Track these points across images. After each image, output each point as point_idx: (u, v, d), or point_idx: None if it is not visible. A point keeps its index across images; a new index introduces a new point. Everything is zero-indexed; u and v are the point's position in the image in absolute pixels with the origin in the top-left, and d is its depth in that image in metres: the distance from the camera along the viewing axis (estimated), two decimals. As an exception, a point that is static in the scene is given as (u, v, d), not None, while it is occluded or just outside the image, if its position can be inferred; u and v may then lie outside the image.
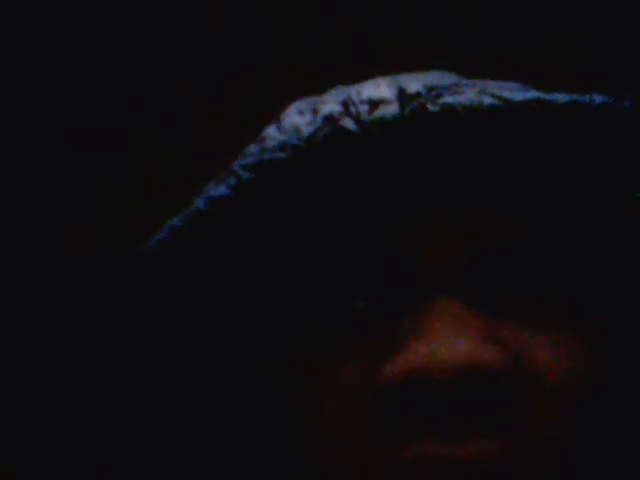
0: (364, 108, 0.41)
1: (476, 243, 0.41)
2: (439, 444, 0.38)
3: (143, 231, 0.46)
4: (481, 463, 0.38)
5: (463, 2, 0.89)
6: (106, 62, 0.90)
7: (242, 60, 0.90)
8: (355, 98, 0.41)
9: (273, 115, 0.45)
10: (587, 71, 0.84)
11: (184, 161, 0.87)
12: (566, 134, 0.41)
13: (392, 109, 0.40)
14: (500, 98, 0.40)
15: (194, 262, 0.44)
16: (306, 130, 0.41)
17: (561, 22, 0.87)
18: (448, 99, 0.40)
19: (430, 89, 0.41)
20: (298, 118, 0.42)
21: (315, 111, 0.42)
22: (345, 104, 0.41)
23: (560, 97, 0.40)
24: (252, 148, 0.43)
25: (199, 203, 0.43)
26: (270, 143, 0.42)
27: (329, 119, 0.41)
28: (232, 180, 0.42)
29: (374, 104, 0.41)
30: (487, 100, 0.40)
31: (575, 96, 0.40)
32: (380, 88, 0.42)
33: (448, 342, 0.38)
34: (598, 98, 0.41)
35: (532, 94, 0.40)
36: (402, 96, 0.41)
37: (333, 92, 0.45)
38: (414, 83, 0.42)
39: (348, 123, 0.40)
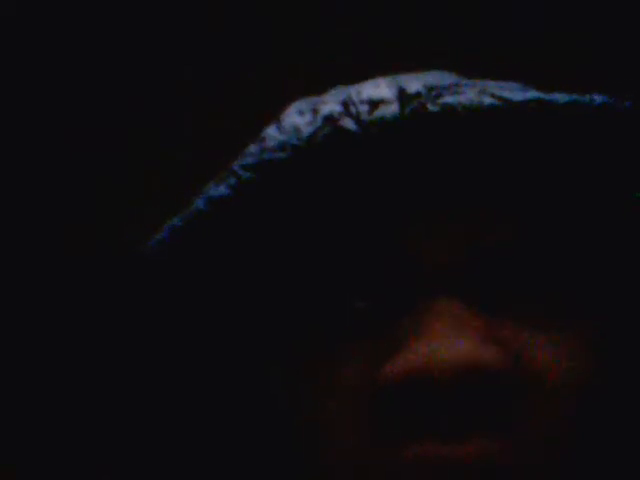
0: (364, 108, 0.41)
1: (476, 243, 0.41)
2: (439, 444, 0.38)
3: (143, 231, 0.46)
4: (481, 463, 0.38)
5: (463, 2, 0.89)
6: (106, 62, 0.90)
7: (242, 60, 0.90)
8: (355, 98, 0.41)
9: (273, 115, 0.45)
10: (587, 71, 0.84)
11: (184, 161, 0.87)
12: (566, 134, 0.41)
13: (392, 109, 0.40)
14: (500, 98, 0.40)
15: (194, 262, 0.44)
16: (306, 130, 0.41)
17: (561, 22, 0.87)
18: (448, 99, 0.40)
19: (430, 89, 0.41)
20: (298, 118, 0.42)
21: (315, 111, 0.42)
22: (345, 104, 0.41)
23: (560, 97, 0.40)
24: (252, 148, 0.43)
25: (199, 203, 0.43)
26: (270, 143, 0.42)
27: (329, 119, 0.41)
28: (232, 180, 0.42)
29: (374, 104, 0.41)
30: (487, 100, 0.40)
31: (575, 96, 0.40)
32: (380, 88, 0.42)
33: (448, 342, 0.38)
34: (598, 98, 0.41)
35: (532, 94, 0.40)
36: (402, 96, 0.41)
37: (333, 92, 0.45)
38: (414, 83, 0.41)
39: (348, 123, 0.40)
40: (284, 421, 0.43)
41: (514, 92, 0.40)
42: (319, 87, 0.47)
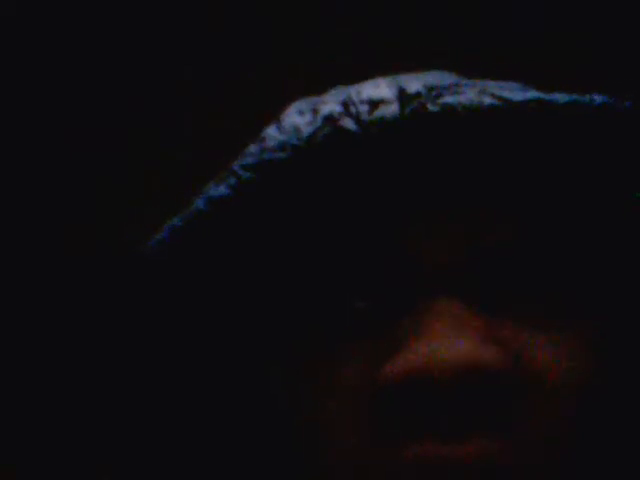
0: (364, 108, 0.41)
1: (476, 243, 0.41)
2: (439, 444, 0.38)
3: (143, 231, 0.46)
4: (481, 463, 0.38)
5: (463, 2, 0.89)
6: (106, 62, 0.90)
7: (242, 60, 0.90)
8: (355, 98, 0.41)
9: (273, 115, 0.45)
10: (587, 71, 0.84)
11: (184, 161, 0.87)
12: (566, 134, 0.41)
13: (392, 109, 0.40)
14: (500, 98, 0.40)
15: (194, 262, 0.44)
16: (306, 130, 0.41)
17: (561, 22, 0.87)
18: (448, 99, 0.40)
19: (430, 89, 0.41)
20: (298, 118, 0.42)
21: (315, 111, 0.42)
22: (345, 104, 0.41)
23: (560, 97, 0.40)
24: (252, 148, 0.43)
25: (199, 203, 0.43)
26: (270, 143, 0.42)
27: (329, 119, 0.41)
28: (232, 180, 0.42)
29: (374, 104, 0.41)
30: (487, 100, 0.40)
31: (575, 96, 0.40)
32: (380, 88, 0.42)
33: (448, 342, 0.38)
34: (598, 98, 0.41)
35: (532, 94, 0.40)
36: (402, 96, 0.41)
37: (333, 92, 0.44)
38: (414, 83, 0.41)
39: (348, 123, 0.40)
40: (284, 421, 0.43)
41: (514, 92, 0.40)
42: (319, 87, 0.47)
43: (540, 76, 0.52)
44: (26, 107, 0.90)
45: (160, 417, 0.46)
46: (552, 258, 0.42)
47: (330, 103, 0.42)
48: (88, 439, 0.75)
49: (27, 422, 0.82)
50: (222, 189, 0.42)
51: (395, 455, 0.39)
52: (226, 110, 0.88)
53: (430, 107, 0.40)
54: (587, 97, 0.41)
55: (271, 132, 0.43)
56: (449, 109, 0.40)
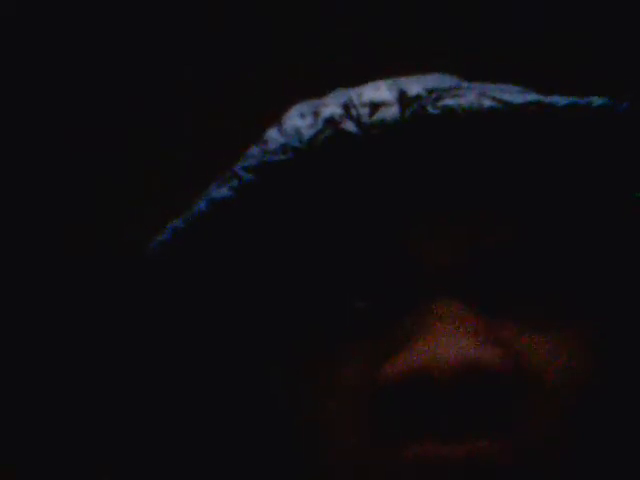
0: (365, 111, 0.41)
1: (477, 244, 0.41)
2: (439, 444, 0.38)
3: (143, 231, 0.46)
4: (481, 463, 0.38)
5: (463, 2, 0.89)
6: (106, 62, 0.90)
7: (242, 60, 0.90)
8: (356, 101, 0.42)
9: (273, 115, 0.45)
10: (587, 71, 0.84)
11: (184, 161, 0.87)
12: (565, 136, 0.41)
13: (393, 111, 0.40)
14: (500, 101, 0.40)
15: (196, 263, 0.44)
16: (307, 132, 0.41)
17: (561, 22, 0.87)
18: (448, 102, 0.40)
19: (430, 92, 0.41)
20: (299, 121, 0.42)
21: (316, 114, 0.42)
22: (346, 107, 0.41)
23: (559, 99, 0.40)
24: (254, 150, 0.43)
25: (201, 205, 0.43)
26: (271, 145, 0.42)
27: (330, 121, 0.41)
28: (234, 182, 0.42)
29: (375, 106, 0.41)
30: (487, 103, 0.40)
31: (574, 98, 0.41)
32: (381, 91, 0.42)
33: (448, 342, 0.39)
34: (597, 100, 0.41)
35: (532, 97, 0.40)
36: (402, 99, 0.41)
37: (334, 95, 0.45)
38: (414, 86, 0.42)
39: (349, 125, 0.40)
40: (284, 421, 0.43)
41: (514, 95, 0.40)
42: (319, 87, 0.47)
43: (540, 76, 0.52)
44: (26, 107, 0.90)
45: (160, 417, 0.46)
46: (552, 259, 0.42)
47: (331, 106, 0.42)
48: (88, 439, 0.75)
49: (27, 422, 0.82)
50: (224, 191, 0.42)
51: (395, 455, 0.39)
52: (226, 110, 0.88)
53: (430, 110, 0.40)
54: (586, 99, 0.41)
55: (272, 134, 0.43)
56: (449, 112, 0.40)
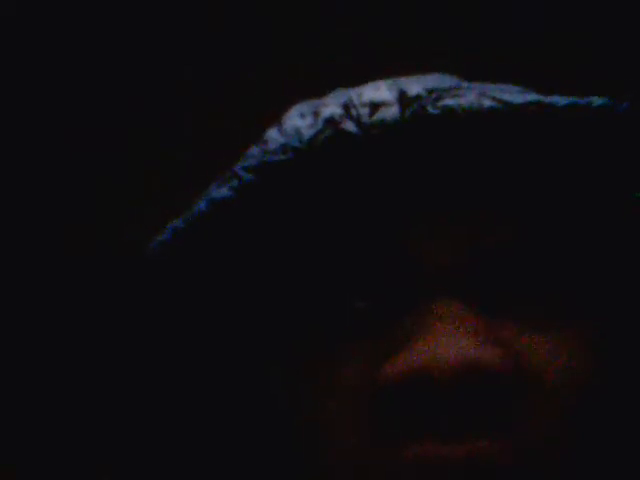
0: (365, 111, 0.41)
1: (477, 245, 0.41)
2: (439, 444, 0.38)
3: (143, 231, 0.46)
4: (481, 463, 0.38)
5: (463, 2, 0.89)
6: (106, 62, 0.90)
7: (242, 60, 0.90)
8: (356, 101, 0.42)
9: (273, 115, 0.45)
10: (587, 71, 0.84)
11: (184, 161, 0.87)
12: (565, 136, 0.41)
13: (393, 111, 0.40)
14: (500, 101, 0.40)
15: (196, 263, 0.44)
16: (307, 132, 0.41)
17: (561, 22, 0.87)
18: (448, 102, 0.40)
19: (430, 92, 0.41)
20: (299, 121, 0.42)
21: (316, 114, 0.42)
22: (346, 107, 0.41)
23: (559, 99, 0.40)
24: (254, 150, 0.43)
25: (201, 205, 0.43)
26: (271, 145, 0.42)
27: (330, 121, 0.41)
28: (234, 182, 0.42)
29: (375, 106, 0.41)
30: (487, 103, 0.40)
31: (574, 98, 0.41)
32: (381, 91, 0.42)
33: (448, 342, 0.39)
34: (597, 100, 0.41)
35: (532, 97, 0.40)
36: (402, 99, 0.41)
37: (334, 95, 0.45)
38: (414, 86, 0.42)
39: (349, 125, 0.41)
40: (284, 421, 0.43)
41: (514, 95, 0.41)
42: (319, 87, 0.47)
43: (540, 76, 0.52)
44: (26, 107, 0.90)
45: (160, 417, 0.46)
46: (552, 259, 0.42)
47: (331, 106, 0.42)
48: (88, 439, 0.75)
49: (27, 422, 0.82)
50: (224, 191, 0.42)
51: (395, 455, 0.39)
52: (226, 110, 0.88)
53: (430, 110, 0.40)
54: (586, 99, 0.41)
55: (272, 134, 0.43)
56: (449, 112, 0.40)
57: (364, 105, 0.41)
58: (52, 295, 0.86)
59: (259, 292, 0.45)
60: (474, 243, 0.41)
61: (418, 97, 0.41)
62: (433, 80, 0.43)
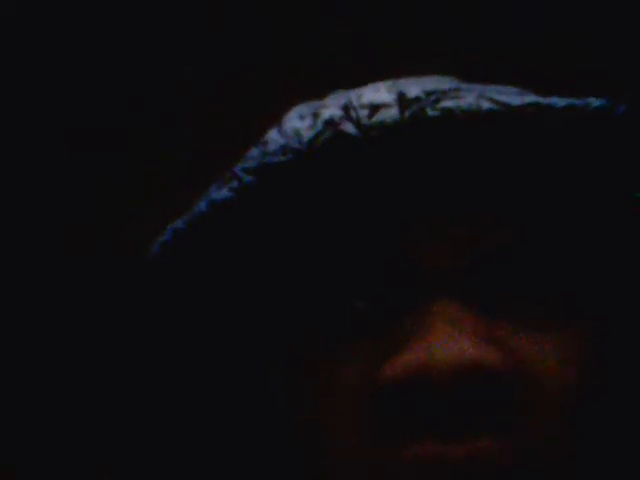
0: (364, 112, 0.41)
1: (477, 246, 0.41)
2: (439, 444, 0.38)
3: (143, 231, 0.46)
4: (481, 463, 0.38)
5: (463, 2, 0.89)
6: (106, 62, 0.90)
7: (242, 60, 0.90)
8: (355, 102, 0.42)
9: (273, 115, 0.45)
10: (587, 71, 0.84)
11: (184, 161, 0.87)
12: (564, 137, 0.41)
13: (392, 113, 0.40)
14: (498, 102, 0.40)
15: (196, 264, 0.44)
16: (307, 134, 0.41)
17: (561, 22, 0.87)
18: (447, 103, 0.40)
19: (429, 93, 0.41)
20: (299, 122, 0.42)
21: (316, 115, 0.42)
22: (345, 108, 0.41)
23: (558, 101, 0.40)
24: (254, 151, 0.43)
25: (201, 206, 0.43)
26: (272, 147, 0.42)
27: (330, 123, 0.41)
28: (234, 183, 0.42)
29: (374, 108, 0.41)
30: (486, 104, 0.40)
31: (572, 100, 0.41)
32: (380, 92, 0.42)
33: (448, 342, 0.39)
34: (595, 102, 0.41)
35: (530, 98, 0.40)
36: (402, 100, 0.41)
37: (333, 96, 0.45)
38: (413, 88, 0.42)
39: (348, 127, 0.41)
40: (284, 421, 0.43)
41: (512, 96, 0.41)
42: (319, 87, 0.47)
43: (540, 76, 0.52)
44: (26, 107, 0.90)
45: (160, 417, 0.46)
46: (551, 260, 0.42)
47: (331, 107, 0.42)
48: (88, 439, 0.75)
49: (27, 422, 0.82)
50: (224, 192, 0.42)
51: (395, 455, 0.39)
52: (226, 110, 0.88)
53: (429, 111, 0.40)
54: (584, 101, 0.41)
55: (272, 136, 0.43)
56: (448, 113, 0.40)
57: (363, 107, 0.41)
58: (52, 295, 0.86)
59: (259, 293, 0.45)
60: (474, 245, 0.41)
61: (417, 99, 0.41)
62: (432, 82, 0.44)
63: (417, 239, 0.41)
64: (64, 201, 0.90)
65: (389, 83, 0.44)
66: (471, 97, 0.40)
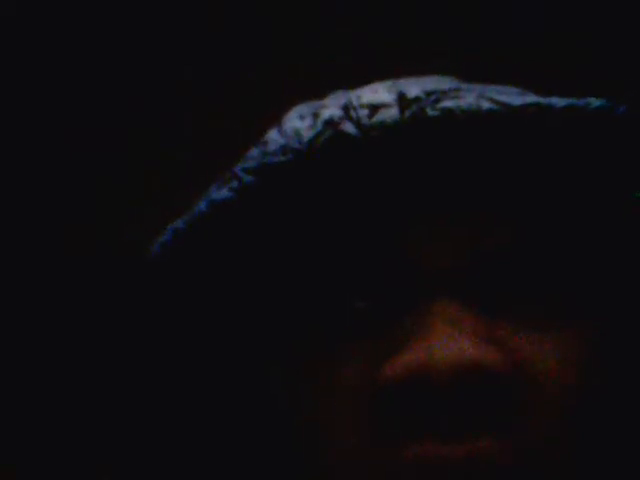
0: (364, 112, 0.41)
1: (476, 247, 0.41)
2: (439, 444, 0.38)
3: (143, 231, 0.46)
4: (481, 463, 0.38)
5: (463, 2, 0.89)
6: (106, 62, 0.90)
7: (242, 60, 0.90)
8: (355, 102, 0.42)
9: (273, 115, 0.45)
10: (587, 71, 0.84)
11: (184, 161, 0.87)
12: (564, 138, 0.41)
13: (392, 113, 0.40)
14: (498, 102, 0.40)
15: (196, 264, 0.44)
16: (307, 134, 0.41)
17: (561, 22, 0.87)
18: (447, 103, 0.40)
19: (429, 93, 0.41)
20: (299, 122, 0.42)
21: (316, 115, 0.42)
22: (345, 108, 0.41)
23: (557, 101, 0.40)
24: (253, 151, 0.43)
25: (201, 206, 0.43)
26: (272, 147, 0.42)
27: (330, 123, 0.41)
28: (234, 183, 0.42)
29: (374, 108, 0.41)
30: (486, 104, 0.40)
31: (572, 100, 0.41)
32: (380, 92, 0.42)
33: (448, 343, 0.39)
34: (595, 102, 0.41)
35: (530, 98, 0.40)
36: (402, 100, 0.41)
37: (333, 96, 0.45)
38: (413, 88, 0.42)
39: (348, 127, 0.41)
40: (284, 421, 0.43)
41: (512, 96, 0.41)
42: (319, 87, 0.47)
43: (540, 76, 0.52)
44: (26, 107, 0.90)
45: (160, 417, 0.46)
46: (551, 260, 0.42)
47: (331, 107, 0.42)
48: (88, 439, 0.75)
49: (27, 422, 0.82)
50: (224, 192, 0.42)
51: (395, 455, 0.39)
52: (226, 110, 0.88)
53: (429, 111, 0.40)
54: (584, 101, 0.41)
55: (272, 136, 0.43)
56: (448, 113, 0.40)
57: (363, 107, 0.41)
58: (52, 295, 0.86)
59: (259, 293, 0.45)
60: (473, 245, 0.41)
61: (417, 99, 0.41)
62: (432, 82, 0.44)
63: (417, 239, 0.41)
64: (64, 201, 0.90)
65: (389, 83, 0.44)
66: (471, 97, 0.40)
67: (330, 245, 0.42)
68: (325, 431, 0.41)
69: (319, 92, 0.46)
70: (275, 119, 0.45)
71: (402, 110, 0.40)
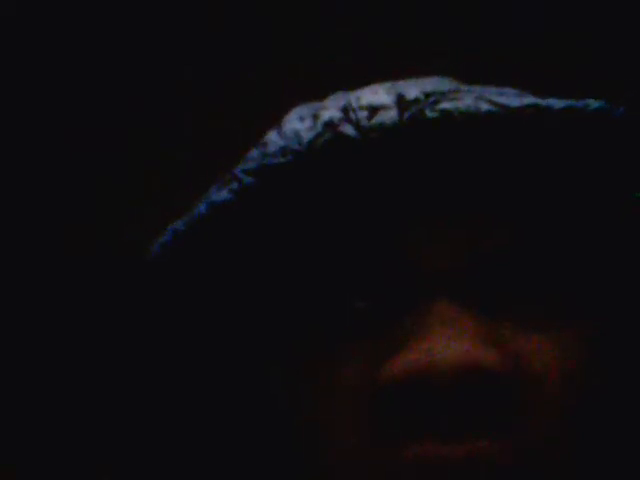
0: (363, 114, 0.41)
1: (475, 248, 0.41)
2: (439, 444, 0.38)
3: (143, 231, 0.46)
4: (481, 463, 0.38)
5: (463, 2, 0.89)
6: (106, 62, 0.90)
7: (242, 60, 0.90)
8: (354, 104, 0.42)
9: (273, 115, 0.45)
10: (587, 71, 0.84)
11: (184, 161, 0.87)
12: (562, 139, 0.41)
13: (391, 115, 0.41)
14: (497, 104, 0.40)
15: (196, 265, 0.44)
16: (306, 136, 0.41)
17: (561, 22, 0.87)
18: (446, 105, 0.40)
19: (428, 95, 0.41)
20: (298, 124, 0.42)
21: (315, 117, 0.42)
22: (345, 110, 0.42)
23: (556, 103, 0.40)
24: (253, 153, 0.43)
25: (201, 207, 0.43)
26: (271, 148, 0.42)
27: (329, 125, 0.41)
28: (234, 185, 0.42)
29: (373, 110, 0.41)
30: (484, 106, 0.40)
31: (571, 101, 0.41)
32: (379, 94, 0.42)
33: (448, 343, 0.39)
34: (593, 103, 0.41)
35: (529, 100, 0.40)
36: (401, 102, 0.41)
37: (333, 98, 0.45)
38: (412, 89, 0.42)
39: (348, 129, 0.41)
40: (284, 421, 0.43)
41: (511, 98, 0.41)
42: (319, 87, 0.47)
43: (540, 76, 0.52)
44: (26, 107, 0.90)
45: (160, 417, 0.46)
46: (550, 260, 0.42)
47: (330, 109, 0.42)
48: (88, 439, 0.75)
49: (27, 422, 0.82)
50: (224, 194, 0.42)
51: (395, 455, 0.39)
52: (226, 110, 0.88)
53: (428, 113, 0.40)
54: (582, 102, 0.41)
55: (272, 137, 0.43)
56: (447, 115, 0.40)
57: (363, 108, 0.41)
58: (52, 295, 0.86)
59: (259, 293, 0.45)
60: (472, 247, 0.41)
61: (416, 100, 0.41)
62: (431, 83, 0.44)
63: (416, 241, 0.41)
64: (64, 201, 0.90)
65: (388, 85, 0.44)
66: (470, 99, 0.40)
67: (330, 246, 0.43)
68: (325, 431, 0.41)
69: (319, 92, 0.46)
70: (275, 119, 0.45)
71: (401, 112, 0.41)
